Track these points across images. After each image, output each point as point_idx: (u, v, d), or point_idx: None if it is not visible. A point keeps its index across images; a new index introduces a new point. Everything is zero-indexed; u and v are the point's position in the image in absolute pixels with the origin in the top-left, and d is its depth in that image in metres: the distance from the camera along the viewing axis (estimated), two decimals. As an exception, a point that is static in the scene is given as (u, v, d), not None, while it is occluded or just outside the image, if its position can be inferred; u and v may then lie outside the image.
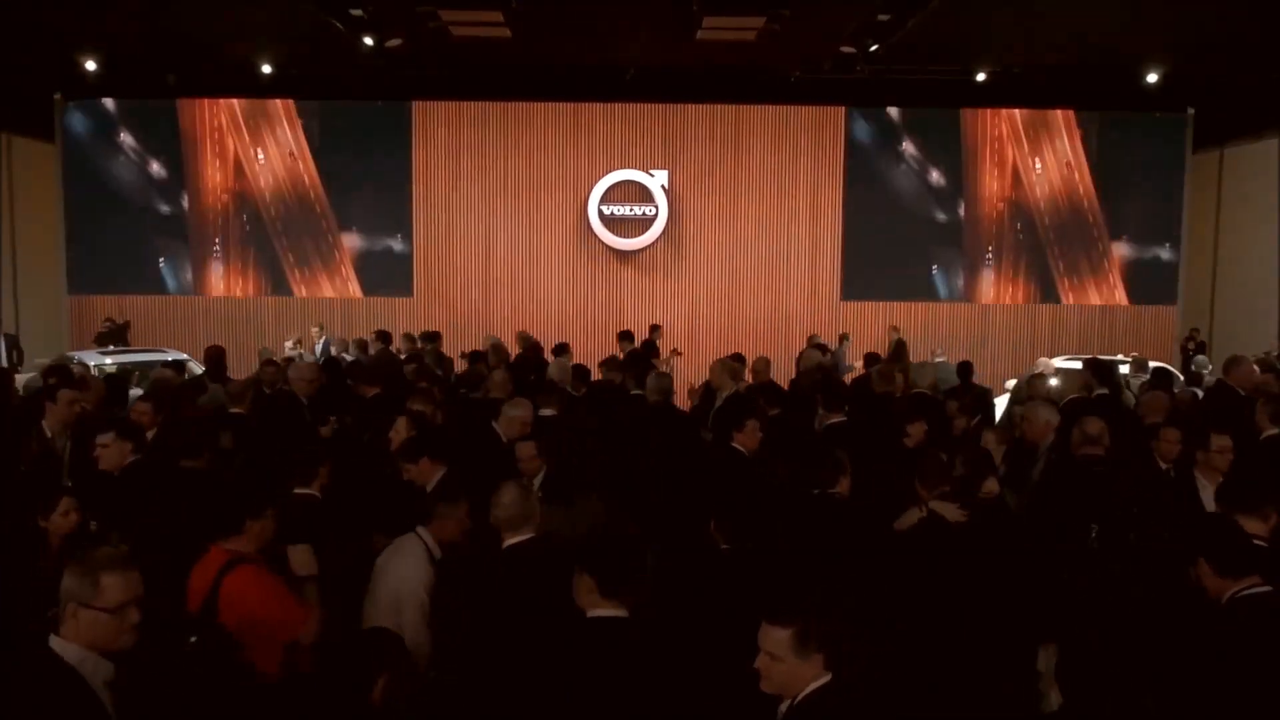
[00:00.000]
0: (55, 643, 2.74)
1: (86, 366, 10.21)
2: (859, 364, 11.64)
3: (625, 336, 11.72)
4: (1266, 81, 14.16)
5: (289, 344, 13.15)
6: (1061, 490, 5.55)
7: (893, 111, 16.55)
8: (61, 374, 7.73)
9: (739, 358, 9.64)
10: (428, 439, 5.40)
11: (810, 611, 2.80)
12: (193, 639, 3.46)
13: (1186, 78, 15.08)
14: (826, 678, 2.78)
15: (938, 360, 13.45)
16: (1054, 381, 9.04)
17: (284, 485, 4.58)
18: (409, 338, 12.16)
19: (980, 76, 15.13)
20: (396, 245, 16.64)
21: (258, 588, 3.64)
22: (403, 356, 10.68)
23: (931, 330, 16.20)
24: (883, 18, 11.82)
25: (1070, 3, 11.33)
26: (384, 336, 11.98)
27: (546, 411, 6.90)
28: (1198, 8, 11.33)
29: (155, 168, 16.47)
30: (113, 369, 10.26)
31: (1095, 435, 5.77)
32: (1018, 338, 16.59)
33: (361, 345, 12.00)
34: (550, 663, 3.27)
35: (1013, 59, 14.63)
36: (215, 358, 9.43)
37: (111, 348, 13.89)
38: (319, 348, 13.43)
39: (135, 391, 8.54)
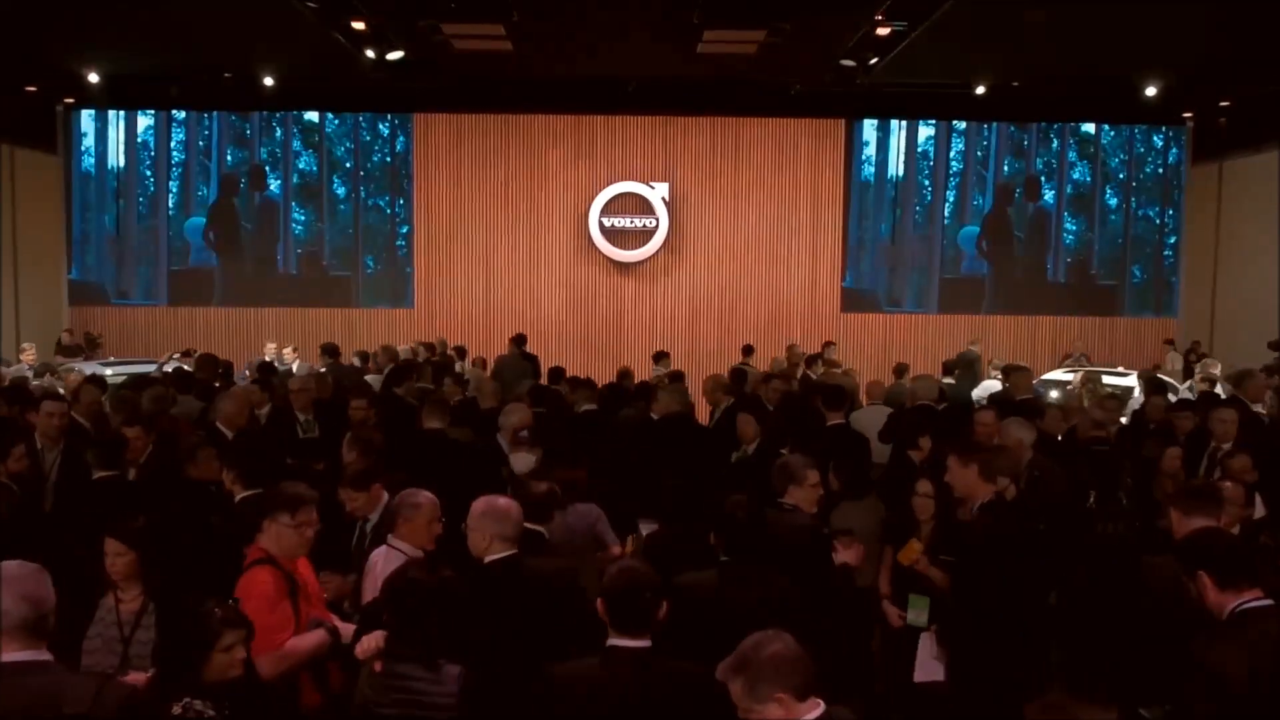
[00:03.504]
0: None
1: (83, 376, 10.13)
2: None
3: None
4: (1266, 94, 14.17)
5: (288, 351, 13.05)
6: (1065, 468, 5.94)
7: (893, 124, 16.58)
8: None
9: (733, 372, 9.75)
10: (380, 464, 5.09)
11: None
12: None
13: (1185, 90, 15.09)
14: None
15: (971, 346, 13.85)
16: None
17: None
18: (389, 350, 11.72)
19: (980, 89, 15.16)
20: (397, 257, 16.65)
21: (255, 588, 3.65)
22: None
23: (932, 338, 16.19)
24: (883, 32, 11.85)
25: (1070, 16, 11.34)
26: (330, 350, 11.69)
27: (588, 407, 7.70)
28: (1198, 20, 11.35)
29: (157, 179, 16.51)
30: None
31: (1101, 420, 7.06)
32: (1017, 350, 16.53)
33: (363, 356, 11.92)
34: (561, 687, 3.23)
35: (1013, 72, 14.65)
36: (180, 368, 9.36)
37: (112, 359, 13.84)
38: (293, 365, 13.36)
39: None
